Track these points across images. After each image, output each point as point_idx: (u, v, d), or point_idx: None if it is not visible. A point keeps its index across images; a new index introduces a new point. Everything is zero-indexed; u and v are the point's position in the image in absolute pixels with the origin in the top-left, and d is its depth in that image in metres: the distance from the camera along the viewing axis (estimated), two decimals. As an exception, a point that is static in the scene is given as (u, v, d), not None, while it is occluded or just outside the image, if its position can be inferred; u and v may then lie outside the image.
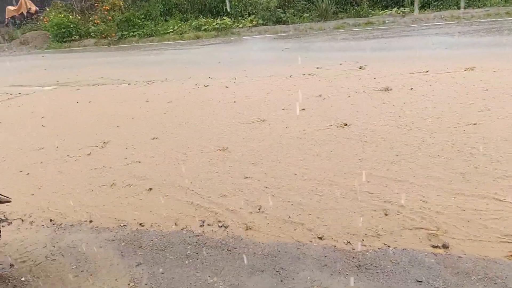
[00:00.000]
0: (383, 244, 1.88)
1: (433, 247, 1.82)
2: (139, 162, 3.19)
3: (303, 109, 4.07)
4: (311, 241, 1.97)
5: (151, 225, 2.27)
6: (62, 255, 2.07)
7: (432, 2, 12.19)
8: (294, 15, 13.40)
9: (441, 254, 1.77)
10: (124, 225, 2.29)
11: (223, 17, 13.83)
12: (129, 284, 1.80)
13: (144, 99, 5.30)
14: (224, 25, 13.34)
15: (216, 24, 13.46)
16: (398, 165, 2.62)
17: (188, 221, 2.26)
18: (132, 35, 14.20)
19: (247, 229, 2.12)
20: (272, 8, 13.56)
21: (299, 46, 9.07)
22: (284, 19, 13.14)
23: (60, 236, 2.25)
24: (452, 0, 11.93)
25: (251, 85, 5.46)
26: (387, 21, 11.16)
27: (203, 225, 2.20)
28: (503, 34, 7.43)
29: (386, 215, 2.09)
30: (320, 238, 1.98)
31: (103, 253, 2.05)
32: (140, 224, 2.29)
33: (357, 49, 7.68)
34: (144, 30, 14.23)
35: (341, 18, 12.63)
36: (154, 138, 3.72)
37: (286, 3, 13.72)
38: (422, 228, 1.95)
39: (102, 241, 2.16)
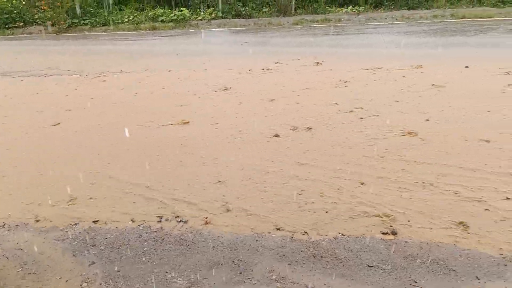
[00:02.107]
0: (338, 233, 1.96)
1: (383, 234, 1.92)
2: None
3: (272, 100, 4.10)
4: (270, 233, 2.00)
5: (105, 223, 2.19)
6: (6, 258, 1.94)
7: (384, 2, 12.75)
8: (254, 9, 13.41)
9: (390, 240, 1.88)
10: (76, 224, 2.19)
11: (182, 9, 13.51)
12: (81, 285, 1.73)
13: (96, 92, 5.06)
14: (182, 17, 13.05)
15: (174, 15, 13.13)
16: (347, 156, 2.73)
17: (145, 217, 2.21)
18: (84, 23, 13.46)
19: (206, 224, 2.11)
20: (232, 1, 13.47)
21: (258, 40, 9.10)
22: (243, 13, 13.11)
23: (3, 238, 2.10)
24: (402, 1, 12.56)
25: (208, 77, 5.41)
26: (343, 19, 11.51)
27: (161, 221, 2.17)
28: (448, 35, 7.96)
29: (338, 204, 2.18)
30: (278, 229, 2.02)
31: (53, 253, 1.95)
32: (94, 221, 2.20)
33: (314, 45, 7.86)
34: (97, 19, 13.54)
35: (300, 14, 12.84)
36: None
37: (246, -3, 13.69)
38: (374, 216, 2.06)
39: (51, 241, 2.05)
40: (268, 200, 2.29)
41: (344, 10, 12.66)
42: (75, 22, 13.46)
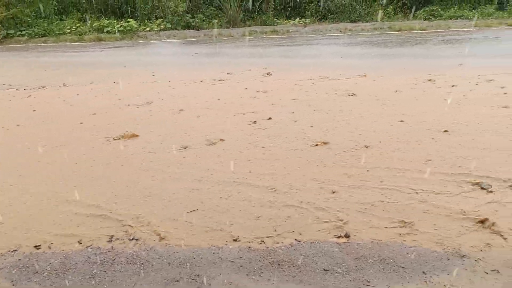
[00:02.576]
0: (294, 239, 1.99)
1: (336, 237, 1.98)
2: (22, 175, 2.83)
3: (224, 105, 4.08)
4: (226, 244, 1.98)
5: (49, 247, 2.03)
6: None
7: (329, 15, 13.40)
8: (203, 21, 13.43)
9: (344, 243, 1.95)
10: (15, 250, 2.01)
11: (129, 20, 13.16)
12: (22, 316, 1.58)
13: (37, 106, 4.73)
14: (129, 28, 12.70)
15: (121, 26, 12.75)
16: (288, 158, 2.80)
17: (94, 238, 2.08)
18: (20, 34, 12.60)
19: (160, 239, 2.04)
20: (181, 12, 13.38)
21: (209, 51, 9.11)
22: (193, 24, 13.07)
23: None
24: (345, 14, 13.28)
25: (159, 90, 5.29)
26: (291, 30, 11.90)
27: (112, 240, 2.05)
28: (387, 46, 8.52)
29: (292, 211, 2.21)
30: (235, 240, 2.01)
31: (-12, 285, 1.77)
32: (35, 246, 2.03)
33: (264, 55, 8.03)
34: (35, 29, 12.75)
35: (249, 26, 13.07)
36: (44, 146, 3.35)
37: (195, 8, 13.68)
38: (327, 221, 2.11)
39: (-14, 271, 1.85)
40: (222, 211, 2.27)
41: (291, 22, 13.10)
42: (11, 33, 12.56)
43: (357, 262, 1.81)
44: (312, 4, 13.53)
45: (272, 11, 13.54)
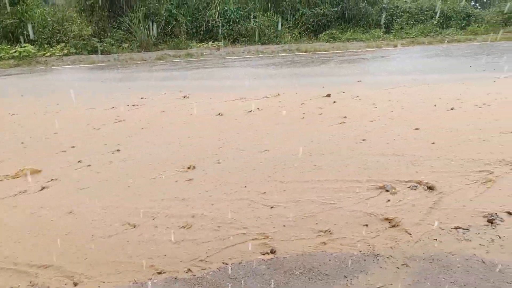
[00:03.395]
0: (221, 263, 1.95)
1: (263, 254, 2.00)
2: None
3: (142, 129, 3.88)
4: (151, 278, 1.86)
5: None
6: None
7: (241, 38, 13.93)
8: (113, 45, 12.88)
9: (271, 259, 1.97)
10: None
11: (25, 44, 11.98)
12: None
13: None
14: (26, 53, 11.57)
15: (16, 51, 11.53)
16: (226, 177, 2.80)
17: (-12, 296, 1.78)
18: None
19: (75, 285, 1.83)
20: (86, 36, 12.64)
21: (121, 76, 8.72)
22: (101, 48, 12.43)
23: None
24: (256, 37, 13.95)
25: (65, 119, 4.87)
26: (205, 53, 12.06)
27: (12, 295, 1.78)
28: (296, 66, 9.13)
29: (215, 233, 2.19)
30: (160, 273, 1.90)
31: None
32: None
33: (180, 79, 7.97)
34: None
35: (162, 49, 12.91)
36: None
37: (102, 32, 13.06)
38: (252, 240, 2.13)
39: None
40: (138, 243, 2.13)
41: (205, 45, 13.30)
42: None
43: (285, 276, 1.84)
44: (224, 27, 13.95)
45: (184, 34, 13.60)
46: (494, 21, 14.92)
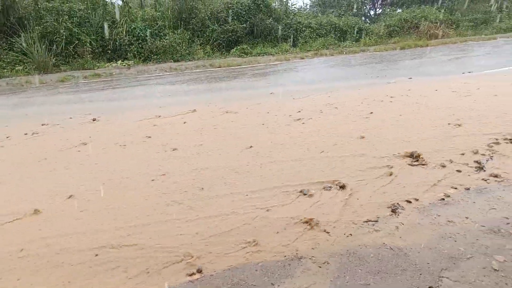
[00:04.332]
0: (145, 293, 1.83)
1: (189, 275, 1.93)
2: None
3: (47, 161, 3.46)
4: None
5: None
6: None
7: (152, 55, 13.56)
8: (4, 68, 11.49)
9: (198, 279, 1.91)
10: None
11: None
12: None
13: None
14: None
15: None
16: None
17: None
18: None
19: None
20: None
21: (15, 102, 7.78)
22: (-12, 73, 10.98)
23: None
24: (168, 54, 13.72)
25: None
26: (114, 73, 11.44)
27: None
28: (211, 81, 9.19)
29: (133, 257, 2.06)
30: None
31: None
32: None
33: (87, 101, 7.41)
34: None
35: (65, 71, 11.91)
36: None
37: (-11, 54, 11.58)
38: (179, 262, 2.04)
39: None
40: (61, 275, 1.90)
41: (114, 64, 12.62)
42: None
43: (213, 294, 1.80)
44: (134, 46, 13.44)
45: (89, 54, 12.74)
46: (382, 34, 17.00)
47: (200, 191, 2.92)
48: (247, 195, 2.80)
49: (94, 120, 5.51)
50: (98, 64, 12.57)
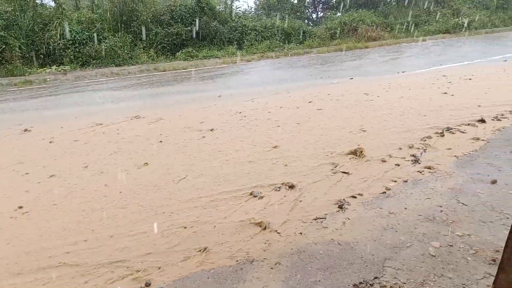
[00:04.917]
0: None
1: (138, 291, 1.85)
2: None
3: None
4: None
5: None
6: None
7: (91, 60, 12.87)
8: None
9: (146, 293, 1.84)
10: None
11: None
12: None
13: None
14: None
15: None
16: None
17: None
18: None
19: None
20: None
21: None
22: None
23: None
24: (109, 59, 13.10)
25: None
26: (48, 79, 10.68)
27: None
28: (156, 86, 8.92)
29: (81, 276, 1.93)
30: None
31: None
32: None
33: (18, 110, 6.82)
34: None
35: (-10, 78, 10.86)
36: None
37: None
38: (127, 276, 1.95)
39: None
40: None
41: (48, 70, 11.76)
42: None
43: (163, 308, 1.74)
44: (70, 50, 12.64)
45: (19, 59, 11.75)
46: (324, 36, 17.71)
47: (148, 201, 2.81)
48: (200, 201, 2.75)
49: (26, 130, 5.08)
50: (29, 70, 11.64)
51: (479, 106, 4.85)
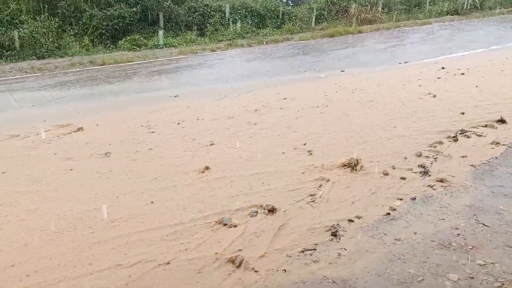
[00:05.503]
0: None
1: None
2: None
3: None
4: None
5: None
6: None
7: (4, 51, 12.48)
8: None
9: None
10: None
11: None
12: None
13: None
14: None
15: None
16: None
17: None
18: None
19: None
20: None
21: None
22: None
23: None
24: (28, 49, 12.76)
25: None
26: None
27: None
28: (93, 84, 8.77)
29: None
30: None
31: None
32: None
33: None
34: None
35: None
36: None
37: None
38: None
39: None
40: None
41: None
42: None
43: None
44: (-28, 39, 12.23)
45: None
46: (307, 19, 18.06)
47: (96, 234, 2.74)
48: (158, 231, 2.70)
49: None
50: None
51: (495, 104, 5.07)
